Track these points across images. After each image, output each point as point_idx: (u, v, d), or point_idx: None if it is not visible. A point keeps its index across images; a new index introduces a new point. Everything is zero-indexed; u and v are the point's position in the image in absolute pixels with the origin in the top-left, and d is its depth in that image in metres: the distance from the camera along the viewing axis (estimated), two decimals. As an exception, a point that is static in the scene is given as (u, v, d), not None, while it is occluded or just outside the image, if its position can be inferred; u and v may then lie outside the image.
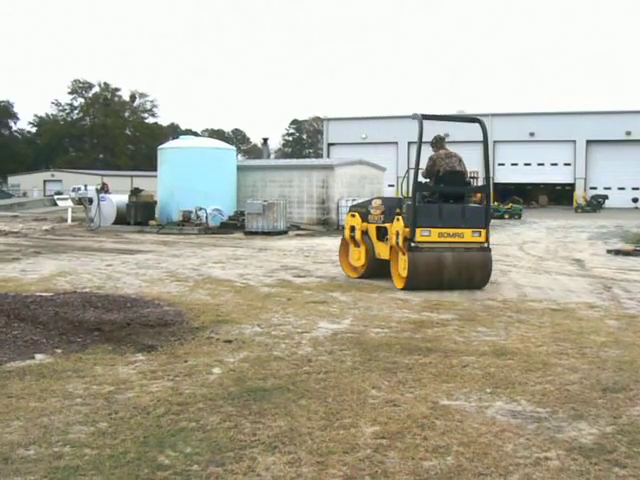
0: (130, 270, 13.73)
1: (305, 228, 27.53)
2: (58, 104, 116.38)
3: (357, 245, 12.97)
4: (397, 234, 11.48)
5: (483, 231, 11.91)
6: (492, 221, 33.63)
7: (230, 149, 31.69)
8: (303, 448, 4.56)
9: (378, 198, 13.33)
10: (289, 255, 17.31)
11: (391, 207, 12.29)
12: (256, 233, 24.59)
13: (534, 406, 5.44)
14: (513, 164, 61.61)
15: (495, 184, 60.47)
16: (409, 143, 58.45)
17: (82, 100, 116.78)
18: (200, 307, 9.36)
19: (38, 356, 6.77)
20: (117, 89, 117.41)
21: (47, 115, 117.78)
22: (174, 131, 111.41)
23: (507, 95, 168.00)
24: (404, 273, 11.45)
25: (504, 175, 61.05)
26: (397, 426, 4.96)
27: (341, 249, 13.63)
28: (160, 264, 15.00)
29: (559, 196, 62.33)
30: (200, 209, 26.37)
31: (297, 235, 25.06)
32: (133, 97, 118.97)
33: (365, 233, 12.86)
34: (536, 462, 4.35)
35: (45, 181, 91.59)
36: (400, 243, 11.43)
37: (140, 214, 27.77)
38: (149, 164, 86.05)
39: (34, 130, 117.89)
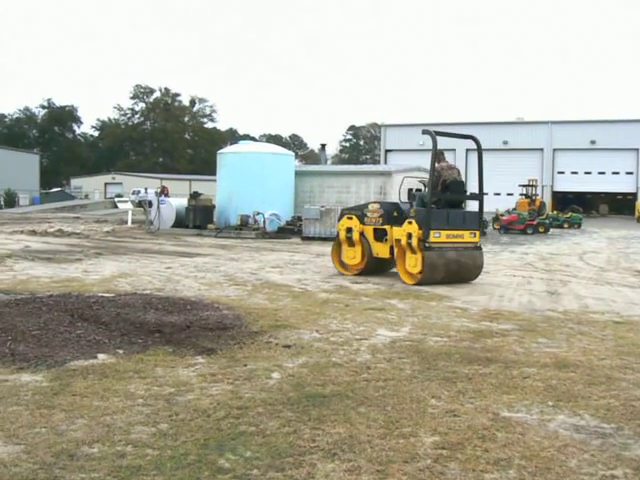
0: (189, 273, 13.88)
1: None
2: (120, 109, 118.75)
3: (352, 245, 14.15)
4: (409, 236, 12.84)
5: (477, 232, 13.75)
6: (551, 230, 33.25)
7: (288, 154, 31.85)
8: (363, 456, 4.53)
9: (375, 202, 14.62)
10: (346, 261, 17.25)
11: (389, 211, 13.84)
12: (313, 238, 24.63)
13: (598, 421, 5.31)
14: (573, 172, 60.62)
15: (554, 192, 59.65)
16: (467, 150, 57.94)
17: (143, 105, 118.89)
18: (259, 311, 9.41)
19: (101, 356, 6.89)
20: (177, 94, 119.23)
21: (109, 119, 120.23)
22: (232, 136, 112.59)
23: (567, 102, 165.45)
24: (415, 270, 12.90)
25: (563, 183, 60.11)
26: (457, 437, 4.90)
27: (334, 249, 14.63)
28: (218, 267, 15.14)
29: (620, 206, 61.07)
30: (258, 213, 26.54)
31: (354, 241, 25.00)
32: (193, 102, 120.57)
33: (362, 234, 14.09)
34: (602, 480, 4.26)
35: (106, 184, 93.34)
36: (414, 244, 12.77)
37: (199, 217, 28.09)
38: (207, 168, 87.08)
39: (96, 134, 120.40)
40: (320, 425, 5.07)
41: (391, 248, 13.64)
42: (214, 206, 29.27)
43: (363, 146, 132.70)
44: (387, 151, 66.81)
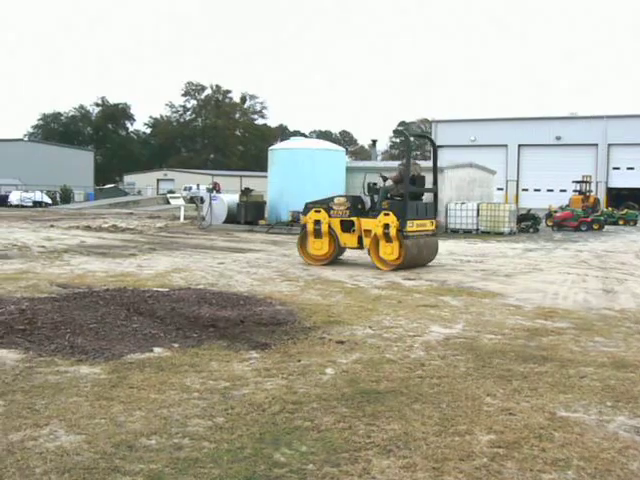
0: (241, 268, 13.98)
1: (413, 230, 27.31)
2: (172, 106, 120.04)
3: (318, 237, 14.85)
4: (386, 226, 14.05)
5: (434, 221, 15.43)
6: (606, 227, 32.52)
7: (339, 150, 31.81)
8: (418, 453, 4.52)
9: (342, 196, 15.66)
10: (397, 257, 17.19)
11: (354, 203, 14.90)
12: (364, 234, 24.56)
13: (660, 423, 5.20)
14: (629, 168, 59.22)
15: (608, 189, 58.42)
16: (519, 146, 57.23)
17: (194, 102, 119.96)
18: (311, 307, 9.44)
19: (156, 349, 6.99)
20: (228, 91, 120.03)
21: (161, 116, 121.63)
22: (283, 132, 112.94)
23: (623, 96, 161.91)
24: (391, 257, 14.22)
25: (618, 180, 58.77)
26: (514, 435, 4.85)
27: (300, 242, 15.25)
28: (270, 263, 15.22)
29: (679, 202, 59.47)
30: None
31: (405, 237, 24.88)
32: (243, 99, 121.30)
33: (329, 226, 14.93)
34: (665, 482, 4.17)
35: (158, 180, 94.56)
36: (393, 233, 14.02)
37: (250, 213, 28.25)
38: (258, 164, 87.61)
39: (149, 131, 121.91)
40: (375, 421, 5.07)
41: (359, 238, 14.67)
42: (265, 202, 29.40)
43: (413, 142, 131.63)
44: (438, 147, 66.25)
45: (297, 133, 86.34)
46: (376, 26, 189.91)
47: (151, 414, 5.14)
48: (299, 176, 27.52)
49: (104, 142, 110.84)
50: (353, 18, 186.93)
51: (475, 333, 8.14)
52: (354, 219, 14.76)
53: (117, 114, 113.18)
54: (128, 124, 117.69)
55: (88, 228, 26.87)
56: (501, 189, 48.01)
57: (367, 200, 15.01)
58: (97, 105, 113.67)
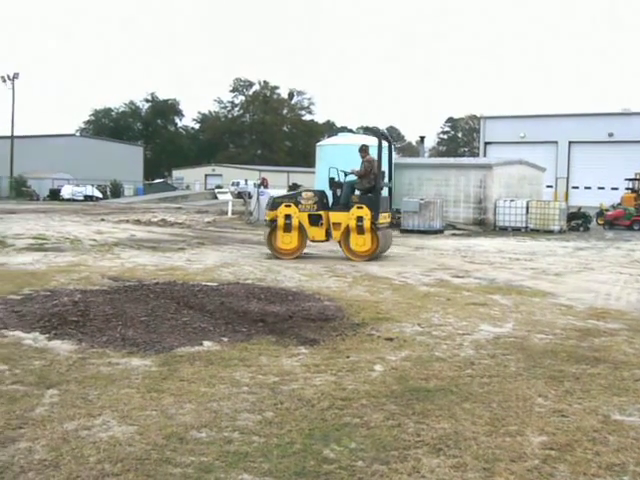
0: (289, 264, 14.01)
1: (461, 228, 27.09)
2: (220, 102, 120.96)
3: (287, 231, 15.09)
4: (359, 219, 14.78)
5: (390, 214, 16.62)
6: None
7: (387, 147, 31.68)
8: (468, 453, 4.48)
9: (309, 190, 16.17)
10: (446, 255, 17.10)
11: (321, 198, 15.48)
12: (412, 231, 24.46)
13: None
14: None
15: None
16: (570, 142, 56.27)
17: (243, 98, 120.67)
18: (360, 303, 9.42)
19: (206, 343, 7.04)
20: (276, 87, 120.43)
21: (210, 112, 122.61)
22: (330, 128, 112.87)
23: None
24: (363, 248, 14.96)
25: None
26: (566, 438, 4.77)
27: (270, 236, 15.38)
28: (318, 259, 15.22)
29: None
30: (355, 206, 26.51)
31: (453, 235, 24.71)
32: (291, 95, 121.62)
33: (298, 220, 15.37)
34: None
35: (206, 175, 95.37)
36: (367, 225, 14.77)
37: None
38: (305, 160, 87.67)
39: (197, 126, 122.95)
40: (424, 419, 5.04)
41: (326, 231, 15.31)
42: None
43: (461, 138, 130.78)
44: (486, 143, 65.41)
45: (344, 129, 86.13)
46: (424, 21, 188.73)
47: (201, 407, 5.18)
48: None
49: (153, 137, 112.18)
50: (401, 13, 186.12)
51: (525, 332, 8.03)
52: (322, 213, 15.29)
53: (166, 110, 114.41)
54: (177, 120, 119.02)
55: (138, 222, 27.24)
56: (550, 186, 47.27)
57: (330, 194, 15.73)
58: (147, 101, 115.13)
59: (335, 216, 15.21)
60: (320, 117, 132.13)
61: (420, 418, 5.07)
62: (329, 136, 35.35)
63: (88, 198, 57.06)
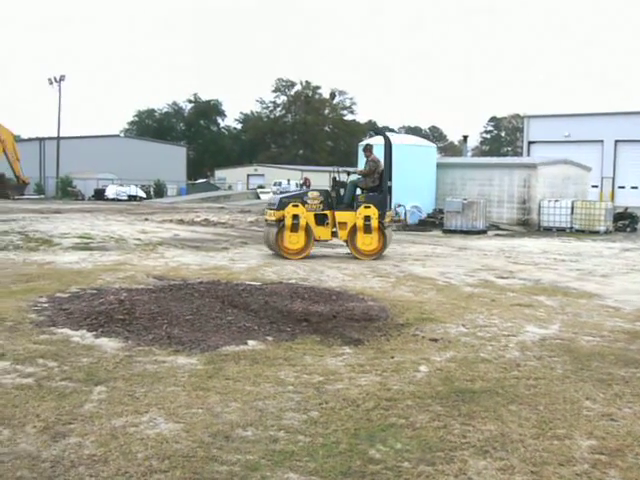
0: (332, 264, 14.00)
1: (504, 228, 26.83)
2: (262, 102, 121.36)
3: (294, 230, 14.95)
4: (367, 218, 14.98)
5: (391, 212, 16.53)
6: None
7: (430, 146, 31.52)
8: (515, 455, 4.43)
9: (315, 190, 15.82)
10: (489, 255, 16.95)
11: (326, 197, 15.44)
12: (455, 231, 24.29)
13: None
14: None
15: None
16: (616, 141, 55.31)
17: (284, 98, 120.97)
18: (403, 304, 9.38)
19: (251, 342, 7.08)
20: (318, 87, 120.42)
21: (252, 112, 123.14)
22: (372, 128, 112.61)
23: None
24: (370, 247, 15.15)
25: None
26: (616, 442, 4.69)
27: (278, 236, 15.07)
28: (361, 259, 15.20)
29: None
30: (399, 206, 26.41)
31: (496, 235, 24.49)
32: (333, 95, 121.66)
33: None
34: None
35: (248, 175, 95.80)
36: (375, 224, 15.01)
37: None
38: (347, 160, 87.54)
39: (240, 127, 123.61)
40: (470, 421, 5.00)
41: (332, 231, 15.41)
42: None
43: (504, 138, 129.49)
44: (530, 143, 64.62)
45: (386, 129, 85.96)
46: (466, 18, 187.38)
47: (247, 406, 5.21)
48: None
49: (196, 138, 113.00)
50: (442, 9, 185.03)
51: (572, 334, 7.92)
52: (327, 212, 15.34)
53: (209, 110, 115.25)
54: (219, 120, 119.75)
55: (181, 222, 27.47)
56: (596, 186, 46.51)
57: (334, 194, 15.70)
58: (189, 102, 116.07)
59: (341, 215, 15.35)
60: (362, 117, 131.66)
61: (466, 420, 5.03)
62: (371, 136, 35.20)
63: (132, 198, 57.75)
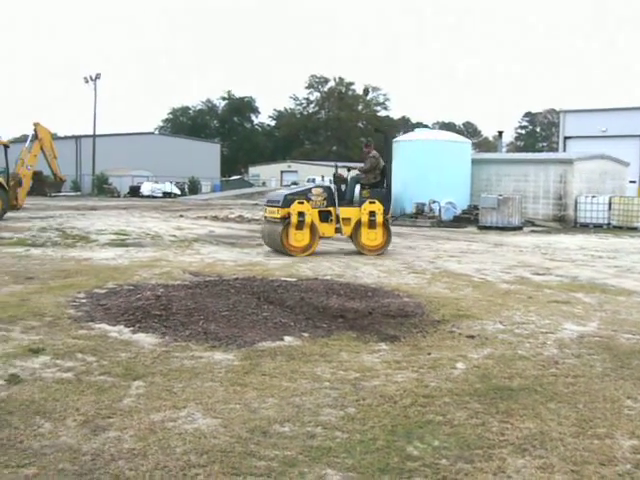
0: (367, 260, 13.99)
1: (540, 224, 26.58)
2: (295, 98, 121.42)
3: (299, 228, 14.82)
4: (372, 214, 15.17)
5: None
6: None
7: (465, 142, 31.35)
8: (555, 454, 4.38)
9: (319, 187, 15.83)
10: (525, 252, 16.79)
11: (329, 194, 15.34)
12: (490, 228, 24.13)
13: None
14: None
15: None
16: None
17: (318, 94, 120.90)
18: (439, 300, 9.33)
19: (287, 338, 7.09)
20: (351, 83, 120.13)
21: (285, 109, 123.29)
22: (405, 124, 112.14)
23: None
24: (374, 242, 15.32)
25: None
26: (659, 442, 4.61)
27: (283, 234, 14.85)
28: (396, 255, 15.18)
29: None
30: (434, 202, 26.34)
31: (532, 231, 24.26)
32: (366, 91, 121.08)
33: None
34: None
35: (282, 172, 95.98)
36: (380, 220, 15.22)
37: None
38: (380, 156, 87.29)
39: (273, 123, 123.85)
40: (508, 419, 4.96)
41: (335, 227, 15.38)
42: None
43: (539, 133, 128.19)
44: (566, 138, 63.79)
45: (420, 125, 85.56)
46: (500, 13, 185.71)
47: (284, 402, 5.22)
48: (423, 168, 27.29)
49: (230, 135, 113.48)
50: (476, 3, 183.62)
51: (611, 332, 7.81)
52: (331, 209, 15.30)
53: (242, 107, 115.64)
54: (253, 117, 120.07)
55: (216, 218, 27.62)
56: (634, 182, 45.73)
57: (334, 190, 15.64)
58: (223, 99, 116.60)
59: (345, 211, 15.37)
60: (395, 113, 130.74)
61: (504, 417, 4.98)
62: (405, 132, 35.12)
63: (167, 195, 58.21)
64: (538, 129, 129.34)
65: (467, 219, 26.32)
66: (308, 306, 8.39)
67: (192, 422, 4.78)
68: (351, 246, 15.81)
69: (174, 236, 19.00)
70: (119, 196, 58.56)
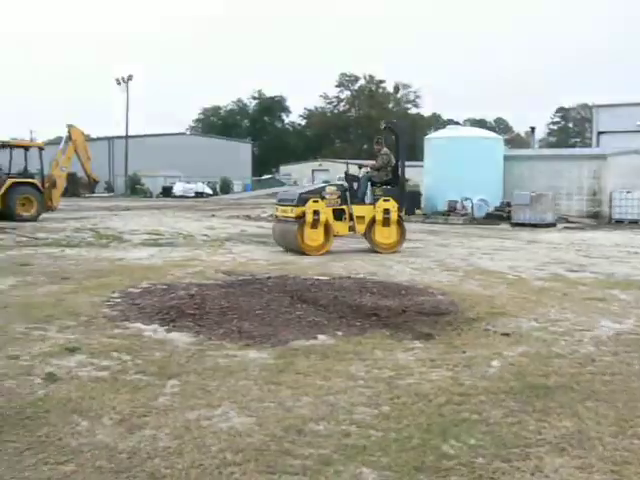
0: (400, 258, 13.96)
1: (574, 221, 26.30)
2: (326, 97, 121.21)
3: (314, 227, 14.66)
4: (386, 211, 15.08)
5: None
6: None
7: (497, 139, 31.16)
8: (593, 454, 4.31)
9: (332, 185, 15.97)
10: (559, 248, 16.62)
11: (343, 192, 15.27)
12: (523, 225, 23.93)
13: None
14: None
15: None
16: None
17: (348, 93, 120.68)
18: (473, 298, 9.26)
19: (321, 337, 7.08)
20: (381, 81, 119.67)
21: (316, 108, 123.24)
22: (436, 121, 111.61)
23: None
24: (389, 240, 15.26)
25: None
26: (702, 444, 4.51)
27: (298, 232, 14.63)
28: (428, 253, 15.12)
29: None
30: (466, 199, 26.18)
31: (565, 228, 24.03)
32: (397, 88, 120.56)
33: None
34: None
35: (313, 170, 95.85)
36: (394, 217, 15.21)
37: (406, 203, 28.13)
38: (411, 154, 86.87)
39: (304, 122, 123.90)
40: (545, 417, 4.89)
41: (349, 225, 15.23)
42: (420, 193, 29.23)
43: (572, 129, 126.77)
44: (599, 133, 62.98)
45: (451, 122, 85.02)
46: (529, 7, 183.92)
47: (318, 400, 5.21)
48: (455, 165, 27.14)
49: (261, 134, 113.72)
50: (503, 5, 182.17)
51: (649, 329, 7.69)
52: (345, 207, 15.20)
53: (273, 107, 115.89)
54: (284, 116, 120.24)
55: (247, 217, 27.74)
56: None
57: (346, 187, 15.54)
58: (254, 98, 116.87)
59: (359, 209, 15.25)
60: (426, 110, 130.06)
61: (541, 416, 4.93)
62: (436, 129, 34.94)
63: (199, 195, 58.61)
64: (571, 124, 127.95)
65: (500, 216, 26.13)
66: (341, 304, 8.38)
67: (227, 420, 4.79)
68: (363, 244, 15.75)
69: (206, 235, 19.11)
70: (151, 196, 59.06)
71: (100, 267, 12.16)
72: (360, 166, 16.59)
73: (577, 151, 38.84)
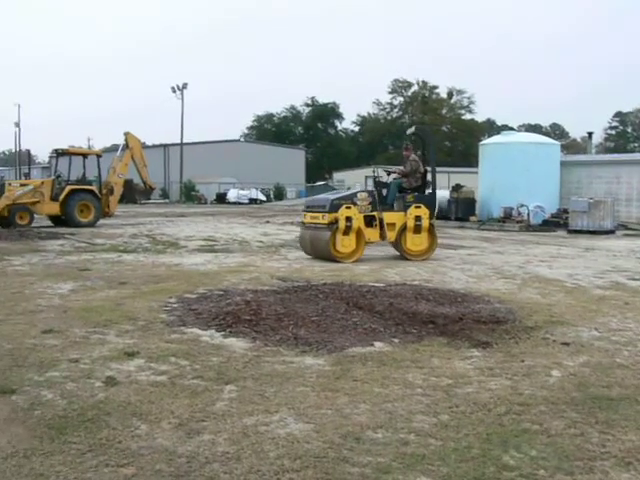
0: (455, 265, 13.83)
1: (634, 228, 25.72)
2: (379, 103, 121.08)
3: (346, 234, 14.45)
4: (418, 218, 14.88)
5: None
6: None
7: (554, 144, 30.70)
8: (662, 469, 4.18)
9: (364, 191, 15.56)
10: (619, 256, 16.27)
11: (374, 198, 15.05)
12: (580, 232, 23.51)
13: None
14: None
15: None
16: None
17: (401, 99, 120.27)
18: (531, 306, 9.11)
19: (377, 344, 7.04)
20: (435, 87, 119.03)
21: (369, 114, 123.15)
22: (490, 127, 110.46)
23: None
24: (420, 247, 15.06)
25: None
26: None
27: (330, 239, 14.42)
28: (484, 260, 14.94)
29: None
30: (522, 206, 25.83)
31: (625, 235, 23.51)
32: (450, 94, 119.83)
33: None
34: None
35: (366, 177, 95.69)
36: (426, 224, 14.97)
37: (460, 210, 27.99)
38: (465, 160, 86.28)
39: (357, 129, 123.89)
40: (609, 430, 4.77)
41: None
42: (475, 199, 28.97)
43: (631, 133, 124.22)
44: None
45: (505, 127, 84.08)
46: (583, 11, 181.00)
47: (376, 407, 5.17)
48: (511, 171, 26.83)
49: (314, 141, 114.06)
50: (559, 3, 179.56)
51: None
52: (376, 214, 15.01)
53: (326, 113, 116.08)
54: (337, 123, 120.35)
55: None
56: None
57: (375, 194, 15.29)
58: (307, 105, 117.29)
59: (389, 216, 15.04)
60: (480, 116, 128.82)
61: (604, 428, 4.80)
62: (490, 135, 34.61)
63: (253, 201, 59.03)
64: (629, 129, 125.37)
65: (556, 223, 25.73)
66: (397, 311, 8.32)
67: (285, 427, 4.79)
68: (391, 250, 15.69)
69: (261, 242, 19.21)
70: (206, 203, 59.71)
71: (157, 272, 12.31)
72: (389, 172, 16.52)
73: (637, 156, 37.99)
